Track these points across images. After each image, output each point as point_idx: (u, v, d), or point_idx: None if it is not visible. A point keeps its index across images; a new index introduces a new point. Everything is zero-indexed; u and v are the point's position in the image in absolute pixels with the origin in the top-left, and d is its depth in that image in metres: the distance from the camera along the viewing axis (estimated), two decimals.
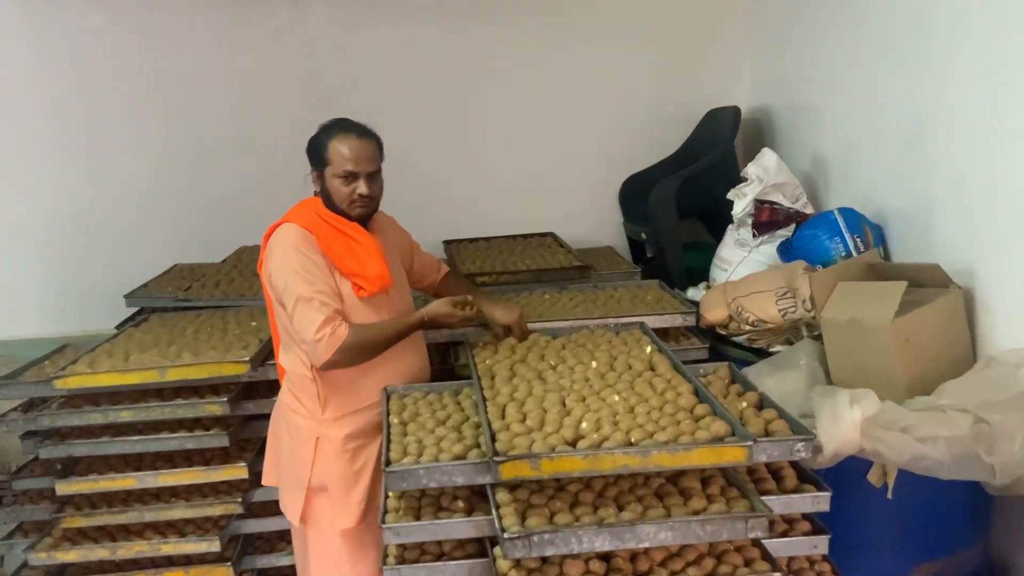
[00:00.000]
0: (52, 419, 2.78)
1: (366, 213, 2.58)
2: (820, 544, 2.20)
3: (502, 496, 2.03)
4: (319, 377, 2.53)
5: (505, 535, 1.85)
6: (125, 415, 2.77)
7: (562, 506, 2.02)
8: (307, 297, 2.40)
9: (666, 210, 4.05)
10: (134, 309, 3.94)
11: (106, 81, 4.27)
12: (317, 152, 2.55)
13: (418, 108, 4.43)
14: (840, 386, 2.71)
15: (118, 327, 3.59)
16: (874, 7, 3.26)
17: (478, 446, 2.17)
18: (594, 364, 2.52)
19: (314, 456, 2.54)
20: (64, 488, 2.84)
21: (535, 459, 1.91)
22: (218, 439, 2.80)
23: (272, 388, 2.94)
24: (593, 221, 4.66)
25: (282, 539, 3.19)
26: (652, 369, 2.49)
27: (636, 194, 4.58)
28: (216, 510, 2.89)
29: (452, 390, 2.58)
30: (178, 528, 2.96)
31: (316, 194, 2.65)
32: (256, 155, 4.44)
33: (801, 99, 3.99)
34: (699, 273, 4.09)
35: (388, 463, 2.09)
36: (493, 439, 2.03)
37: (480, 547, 2.18)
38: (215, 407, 2.77)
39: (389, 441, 2.22)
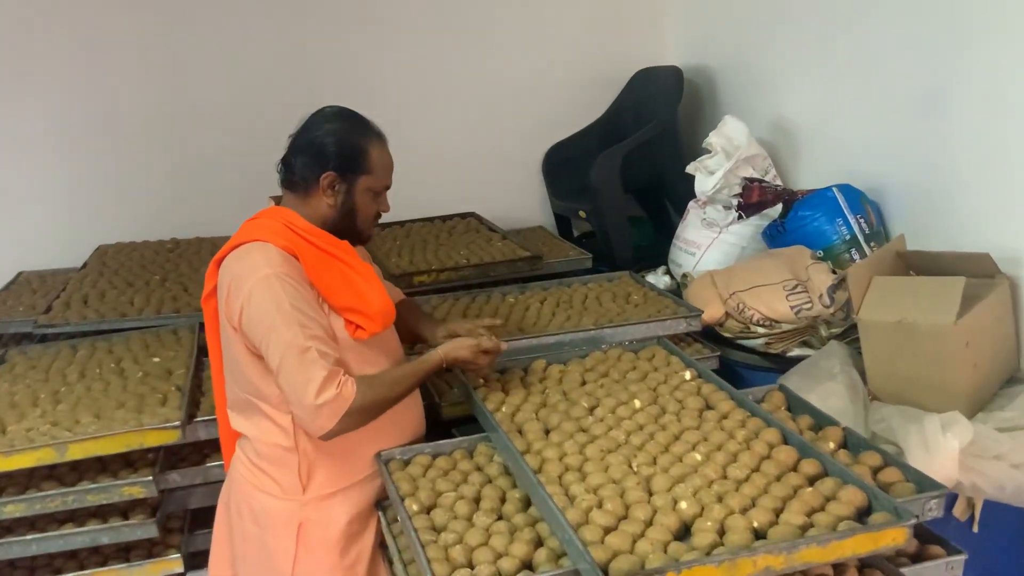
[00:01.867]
0: None
1: (373, 235, 2.03)
2: (955, 566, 1.82)
3: None
4: (301, 446, 1.93)
5: None
6: (12, 510, 2.06)
7: None
8: (302, 347, 1.78)
9: (611, 187, 3.62)
10: None
11: None
12: (349, 156, 1.92)
13: (312, 75, 3.75)
14: (884, 398, 2.39)
15: None
16: None
17: (539, 541, 1.67)
18: (637, 404, 2.05)
19: (296, 549, 1.94)
20: None
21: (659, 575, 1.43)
22: (143, 529, 2.14)
23: (202, 447, 2.31)
24: (516, 197, 4.17)
25: None
26: (708, 406, 2.05)
27: (561, 167, 4.12)
28: None
29: (464, 448, 2.04)
30: None
31: (278, 200, 2.01)
32: (108, 134, 3.69)
33: (753, 59, 3.62)
34: (643, 251, 3.69)
35: None
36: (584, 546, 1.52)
37: None
38: (137, 488, 2.11)
39: (423, 547, 1.66)
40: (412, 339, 2.30)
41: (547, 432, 1.96)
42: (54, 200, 3.68)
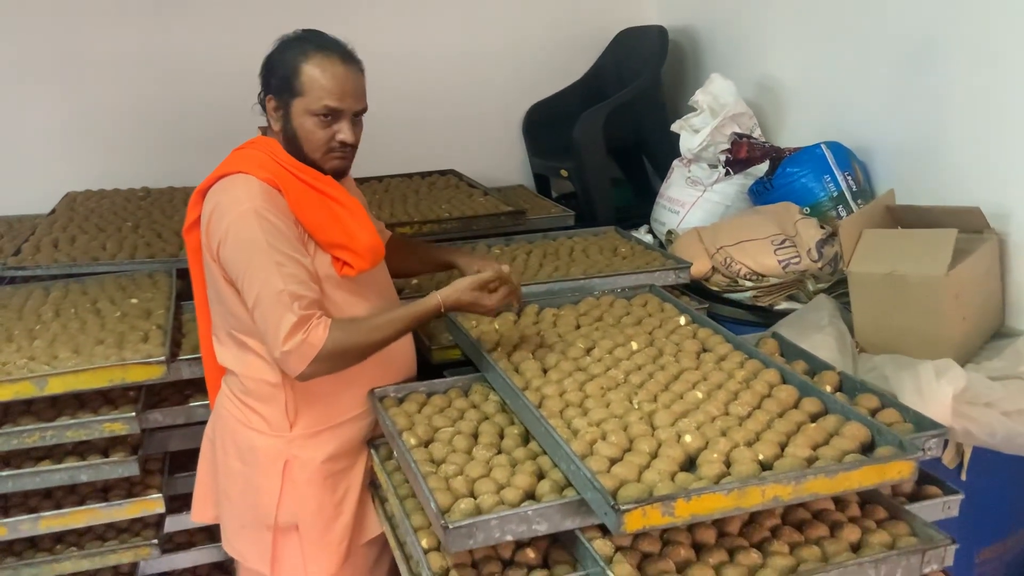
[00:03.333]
0: None
1: (344, 167, 1.91)
2: (952, 505, 1.83)
3: (601, 545, 1.52)
4: (288, 383, 1.87)
5: None
6: None
7: (687, 555, 1.53)
8: (276, 289, 1.71)
9: (594, 145, 3.59)
10: None
11: None
12: (282, 75, 1.82)
13: (292, 26, 3.65)
14: (872, 351, 2.39)
15: None
16: None
17: (540, 475, 1.64)
18: (634, 345, 2.03)
19: (282, 485, 1.89)
20: None
21: (668, 503, 1.40)
22: (124, 467, 2.07)
23: (183, 388, 2.25)
24: (495, 156, 4.11)
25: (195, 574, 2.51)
26: (705, 349, 2.03)
27: (542, 125, 4.07)
28: (123, 557, 2.16)
29: (459, 387, 2.00)
30: None
31: (265, 131, 1.94)
32: (80, 75, 3.56)
33: (738, 18, 3.59)
34: (622, 212, 3.66)
35: (444, 513, 1.51)
36: (593, 475, 1.49)
37: None
38: (118, 425, 2.04)
39: (424, 477, 1.62)
40: (415, 271, 2.23)
41: (544, 372, 1.93)
42: (20, 145, 3.55)
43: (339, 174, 1.91)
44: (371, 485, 2.03)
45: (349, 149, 1.87)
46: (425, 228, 3.07)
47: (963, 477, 2.18)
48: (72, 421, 2.04)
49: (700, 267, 2.77)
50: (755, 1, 3.44)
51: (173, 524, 2.32)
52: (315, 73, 1.80)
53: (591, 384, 1.83)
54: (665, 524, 1.41)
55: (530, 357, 1.98)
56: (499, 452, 1.73)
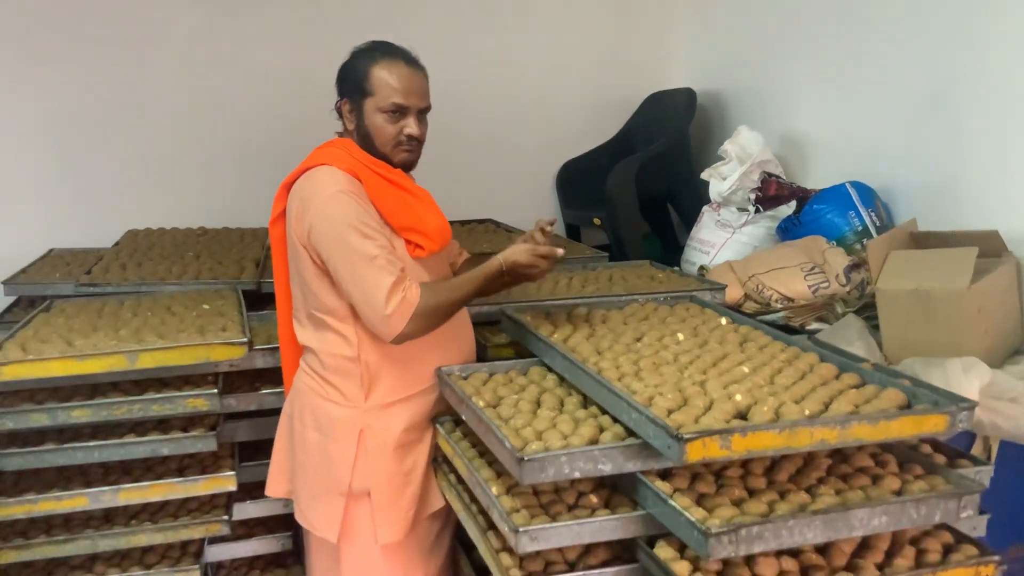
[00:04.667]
0: None
1: (412, 160, 2.12)
2: (979, 525, 1.94)
3: (661, 486, 1.65)
4: (364, 358, 2.04)
5: (713, 531, 1.47)
6: (79, 414, 2.14)
7: (741, 494, 1.66)
8: (371, 255, 1.91)
9: (626, 193, 3.80)
10: (11, 299, 3.23)
11: None
12: (354, 79, 2.06)
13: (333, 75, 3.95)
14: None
15: None
16: None
17: (601, 429, 1.78)
18: (680, 336, 2.18)
19: (356, 453, 2.04)
20: None
21: (726, 436, 1.55)
22: (203, 442, 2.22)
23: (255, 379, 2.40)
24: (529, 207, 4.30)
25: (251, 566, 2.61)
26: (747, 340, 2.19)
27: (575, 180, 4.31)
28: (195, 532, 2.29)
29: (519, 369, 2.15)
30: (137, 559, 2.33)
31: (342, 134, 2.16)
32: (142, 123, 3.83)
33: (761, 79, 3.85)
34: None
35: (518, 449, 1.65)
36: (651, 415, 1.63)
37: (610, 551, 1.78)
38: (200, 401, 2.19)
39: (495, 426, 1.76)
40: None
41: (599, 353, 2.08)
42: (85, 184, 3.78)
43: (407, 166, 2.12)
44: (434, 462, 2.16)
45: (416, 143, 2.09)
46: None
47: (991, 471, 2.30)
48: (158, 396, 2.19)
49: (733, 294, 2.94)
50: (778, 60, 3.70)
51: (239, 512, 2.43)
52: (383, 75, 2.03)
53: (644, 361, 1.98)
54: (723, 457, 1.55)
55: (584, 342, 2.13)
56: (561, 413, 1.87)
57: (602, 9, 4.31)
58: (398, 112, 2.04)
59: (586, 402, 1.94)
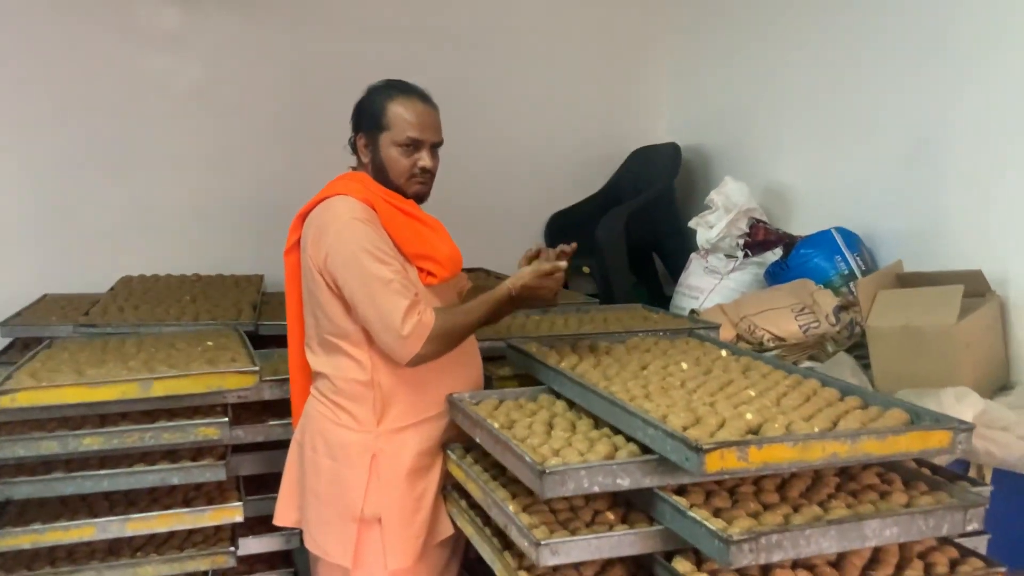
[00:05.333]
0: None
1: (424, 192, 2.19)
2: (979, 545, 1.99)
3: (685, 502, 1.69)
4: (377, 382, 2.07)
5: (734, 538, 1.51)
6: (90, 442, 2.14)
7: (756, 508, 1.71)
8: (386, 279, 1.96)
9: (616, 242, 3.89)
10: (6, 341, 3.23)
11: None
12: (370, 114, 2.14)
13: (328, 129, 4.02)
14: None
15: None
16: (843, 39, 3.34)
17: (616, 448, 1.82)
18: (684, 366, 2.24)
19: (368, 479, 2.06)
20: None
21: (743, 448, 1.60)
22: (213, 471, 2.22)
23: (261, 412, 2.42)
24: (519, 256, 4.34)
25: None
26: (749, 369, 2.25)
27: (563, 230, 4.39)
28: (202, 564, 2.27)
29: (528, 396, 2.20)
30: None
31: (356, 167, 2.22)
32: (138, 171, 3.88)
33: (745, 133, 3.99)
34: None
35: (541, 468, 1.68)
36: (666, 429, 1.68)
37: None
38: (211, 429, 2.21)
39: (509, 443, 1.80)
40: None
41: (607, 379, 2.13)
42: (80, 231, 3.80)
43: (420, 198, 2.20)
44: (443, 491, 2.18)
45: (428, 175, 2.17)
46: None
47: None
48: (170, 424, 2.20)
49: (725, 334, 3.00)
50: (760, 114, 3.84)
51: (244, 546, 2.43)
52: (399, 110, 2.12)
53: (652, 385, 2.03)
54: (739, 469, 1.60)
55: (592, 369, 2.18)
56: (575, 433, 1.91)
57: (589, 66, 4.45)
58: (412, 146, 2.12)
59: (597, 425, 1.98)
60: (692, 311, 3.44)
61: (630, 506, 1.83)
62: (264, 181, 3.94)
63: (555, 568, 1.77)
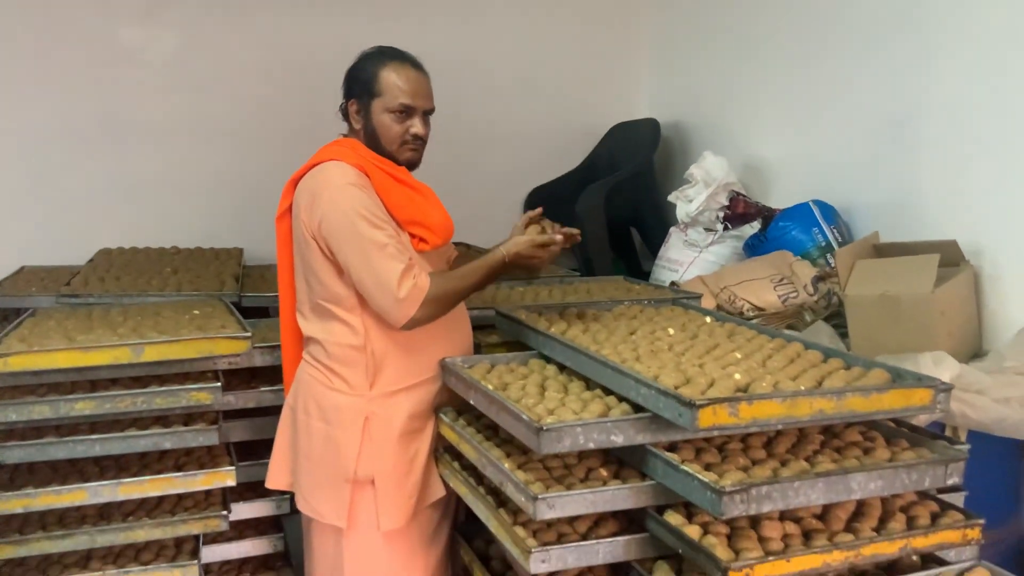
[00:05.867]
0: None
1: (416, 159, 2.21)
2: (956, 501, 2.06)
3: (677, 457, 1.73)
4: (370, 346, 2.10)
5: (727, 489, 1.55)
6: (82, 407, 2.15)
7: (745, 463, 1.76)
8: (381, 243, 1.98)
9: (595, 216, 3.92)
10: None
11: None
12: (362, 81, 2.15)
13: (312, 103, 4.01)
14: None
15: None
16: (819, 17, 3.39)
17: (608, 407, 1.86)
18: (671, 331, 2.28)
19: (361, 441, 2.08)
20: None
21: (734, 404, 1.65)
22: (205, 435, 2.24)
23: (251, 379, 2.44)
24: (498, 230, 4.31)
25: (240, 569, 2.61)
26: (734, 334, 2.30)
27: (543, 204, 4.38)
28: (194, 527, 2.29)
29: (519, 361, 2.23)
30: (132, 557, 2.32)
31: (347, 134, 2.24)
32: (115, 142, 3.85)
33: (718, 112, 4.05)
34: None
35: (539, 425, 1.72)
36: (658, 387, 1.72)
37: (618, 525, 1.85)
38: (203, 394, 2.22)
39: (505, 402, 1.84)
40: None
41: (597, 343, 2.17)
42: (58, 203, 3.77)
43: (412, 165, 2.22)
44: (435, 453, 2.21)
45: (420, 142, 2.20)
46: None
47: None
48: (162, 389, 2.21)
49: (706, 304, 3.05)
50: (738, 91, 3.88)
51: (237, 511, 2.45)
52: (392, 77, 2.13)
53: (641, 348, 2.07)
54: (731, 424, 1.65)
55: (581, 334, 2.22)
56: (567, 395, 1.95)
57: (570, 41, 4.47)
58: (405, 112, 2.14)
59: (588, 388, 2.01)
60: (673, 283, 3.49)
61: (621, 464, 1.87)
62: (243, 153, 3.93)
63: (549, 524, 1.82)
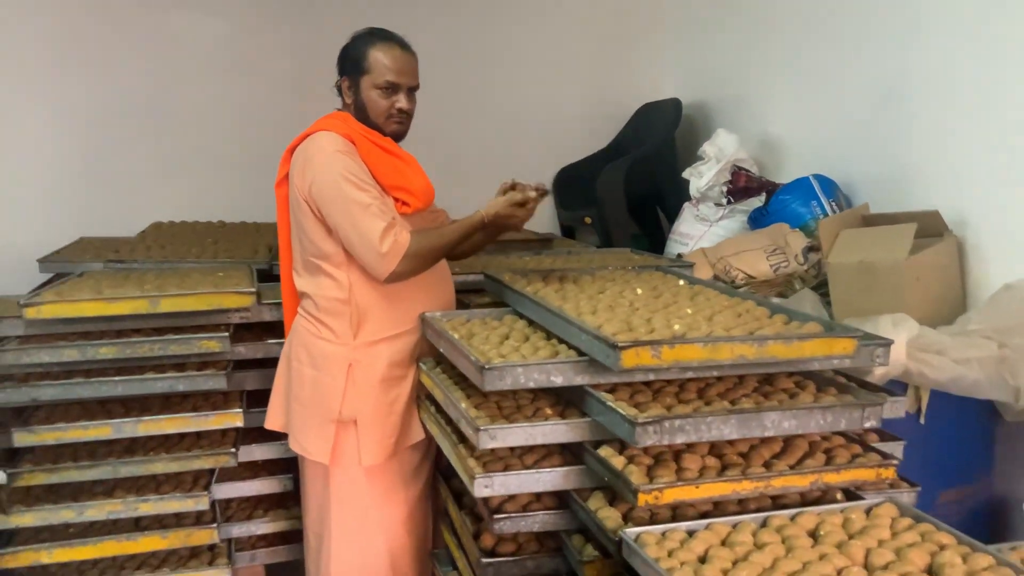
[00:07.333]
0: (16, 356, 2.39)
1: (401, 131, 2.42)
2: (896, 450, 2.17)
3: (606, 396, 1.91)
4: (354, 299, 2.32)
5: (639, 420, 1.72)
6: (106, 351, 2.43)
7: (672, 402, 1.92)
8: (365, 203, 2.21)
9: (615, 193, 4.08)
10: (46, 277, 3.54)
11: None
12: (353, 59, 2.37)
13: None
14: None
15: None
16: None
17: (556, 353, 2.04)
18: (639, 291, 2.44)
19: (345, 385, 2.31)
20: (24, 438, 2.44)
21: (656, 346, 1.81)
22: (215, 380, 2.50)
23: (260, 331, 2.69)
24: None
25: (256, 506, 2.88)
26: (699, 295, 2.45)
27: (571, 183, 4.60)
28: (206, 463, 2.56)
29: (494, 316, 2.43)
30: (153, 489, 2.60)
31: (341, 108, 2.46)
32: (168, 122, 4.18)
33: (737, 90, 4.17)
34: None
35: (481, 364, 1.91)
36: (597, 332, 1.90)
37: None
38: (213, 343, 2.48)
39: (464, 346, 2.04)
40: (467, 252, 2.59)
41: (563, 300, 2.35)
42: (114, 179, 4.10)
43: (397, 136, 2.43)
44: (417, 399, 2.43)
45: (405, 116, 2.40)
46: None
47: (922, 421, 2.54)
48: (176, 337, 2.48)
49: (703, 274, 3.20)
50: (754, 70, 4.00)
51: (246, 452, 2.71)
52: (379, 55, 2.35)
53: (600, 304, 2.25)
54: (653, 365, 1.81)
55: (552, 293, 2.40)
56: (526, 343, 2.14)
57: (597, 27, 4.65)
58: (390, 88, 2.35)
59: (548, 339, 2.20)
60: (678, 255, 3.64)
61: (571, 406, 2.05)
62: (286, 133, 4.19)
63: (500, 458, 2.01)
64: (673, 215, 4.27)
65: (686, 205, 3.86)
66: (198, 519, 2.66)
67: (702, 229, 3.72)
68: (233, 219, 4.18)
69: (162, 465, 2.53)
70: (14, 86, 3.94)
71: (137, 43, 4.07)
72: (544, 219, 4.63)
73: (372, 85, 2.35)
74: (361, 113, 2.38)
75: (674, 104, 4.34)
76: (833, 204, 3.29)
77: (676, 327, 2.01)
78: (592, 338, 1.89)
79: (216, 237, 3.74)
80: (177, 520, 2.65)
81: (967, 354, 2.45)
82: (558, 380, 1.92)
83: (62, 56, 3.98)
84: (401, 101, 2.36)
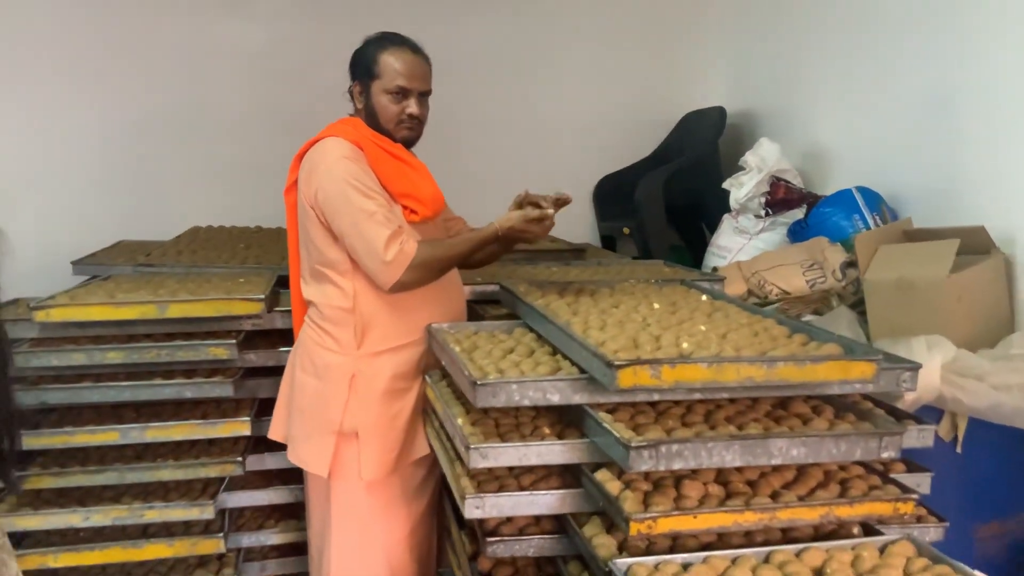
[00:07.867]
0: (26, 358, 2.39)
1: (412, 137, 2.36)
2: (923, 483, 2.04)
3: (603, 416, 1.81)
4: (359, 309, 2.26)
5: (633, 444, 1.63)
6: (113, 356, 2.41)
7: (674, 425, 1.82)
8: (370, 211, 2.15)
9: (653, 203, 3.97)
10: (81, 279, 3.57)
11: (41, 45, 3.96)
12: (364, 64, 2.32)
13: None
14: None
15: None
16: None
17: (559, 369, 1.95)
18: (656, 306, 2.34)
19: (348, 396, 2.26)
20: (32, 442, 2.43)
21: (656, 366, 1.71)
22: (222, 387, 2.47)
23: (276, 338, 2.65)
24: (567, 219, 4.45)
25: (268, 516, 2.84)
26: (718, 311, 2.34)
27: (611, 192, 4.50)
28: (212, 471, 2.53)
29: (503, 329, 2.35)
30: (160, 496, 2.58)
31: (353, 114, 2.41)
32: (209, 129, 4.20)
33: (783, 99, 4.04)
34: None
35: (474, 379, 1.84)
36: (596, 350, 1.81)
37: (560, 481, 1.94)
38: (221, 350, 2.45)
39: (461, 359, 1.96)
40: (483, 261, 2.51)
41: (574, 315, 2.26)
42: (153, 183, 4.14)
43: (408, 143, 2.37)
44: (423, 413, 2.36)
45: (416, 122, 2.34)
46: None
47: (959, 450, 2.39)
48: (183, 343, 2.46)
49: (737, 289, 3.08)
50: (804, 76, 3.86)
51: (253, 462, 2.67)
52: (390, 60, 2.29)
53: (611, 319, 2.15)
54: (652, 385, 1.71)
55: (564, 306, 2.31)
56: (529, 359, 2.05)
57: (642, 33, 4.54)
58: (401, 94, 2.29)
59: (555, 355, 2.11)
60: (714, 268, 3.51)
61: (567, 425, 1.96)
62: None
63: (497, 477, 1.93)
64: (714, 226, 4.16)
65: (725, 217, 3.74)
66: (207, 528, 2.62)
67: (741, 242, 3.59)
68: (272, 225, 4.18)
69: (168, 472, 2.50)
70: (63, 92, 3.99)
71: (182, 51, 4.10)
72: (584, 229, 4.55)
73: (383, 90, 2.29)
74: (372, 118, 2.33)
75: (718, 112, 4.21)
76: (876, 217, 3.14)
77: (684, 345, 1.91)
78: (591, 355, 1.80)
79: (249, 243, 3.73)
80: (186, 528, 2.62)
81: (1008, 380, 2.29)
82: (555, 398, 1.84)
83: (110, 63, 4.03)
84: (412, 106, 2.31)
